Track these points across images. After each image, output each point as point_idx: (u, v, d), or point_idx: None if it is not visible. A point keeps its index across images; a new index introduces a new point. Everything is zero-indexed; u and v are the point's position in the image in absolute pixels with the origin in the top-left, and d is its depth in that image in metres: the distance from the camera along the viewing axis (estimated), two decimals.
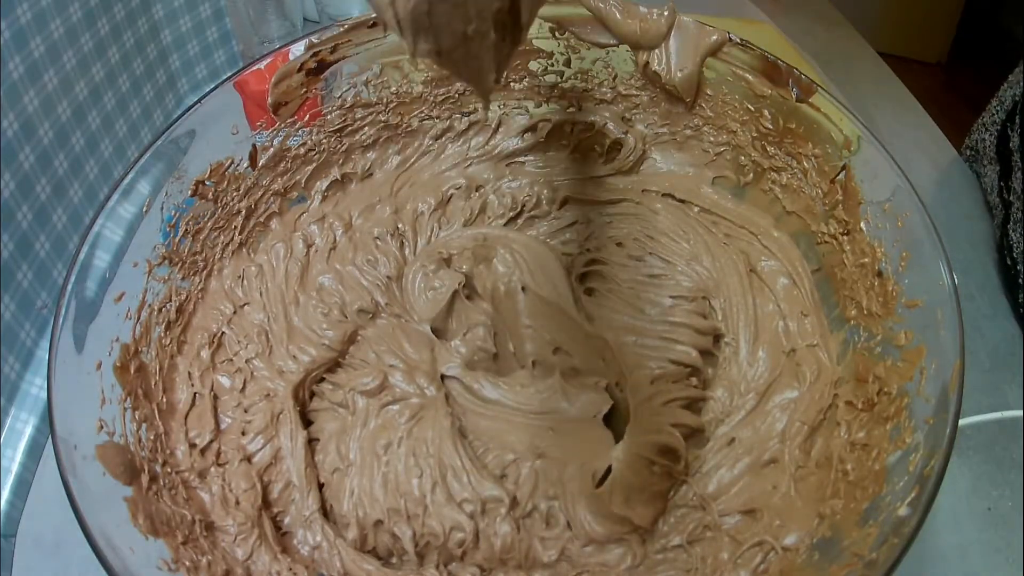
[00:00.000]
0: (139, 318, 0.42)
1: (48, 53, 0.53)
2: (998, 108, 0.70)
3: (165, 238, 0.44)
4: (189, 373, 0.44)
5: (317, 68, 0.49)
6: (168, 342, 0.44)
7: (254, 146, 0.48)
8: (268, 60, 0.47)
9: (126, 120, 0.63)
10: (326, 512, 0.43)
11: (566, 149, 0.56)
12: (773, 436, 0.43)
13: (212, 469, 0.42)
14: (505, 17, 0.25)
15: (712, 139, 0.52)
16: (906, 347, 0.39)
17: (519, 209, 0.54)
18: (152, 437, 0.40)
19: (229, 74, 0.47)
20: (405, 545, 0.42)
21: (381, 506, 0.42)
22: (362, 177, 0.54)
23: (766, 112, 0.48)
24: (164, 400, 0.42)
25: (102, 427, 0.37)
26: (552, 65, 0.53)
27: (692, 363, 0.47)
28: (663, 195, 0.53)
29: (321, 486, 0.44)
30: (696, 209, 0.52)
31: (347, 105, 0.51)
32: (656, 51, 0.49)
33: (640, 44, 0.49)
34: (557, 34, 0.51)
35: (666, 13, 0.48)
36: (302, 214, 0.52)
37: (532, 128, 0.55)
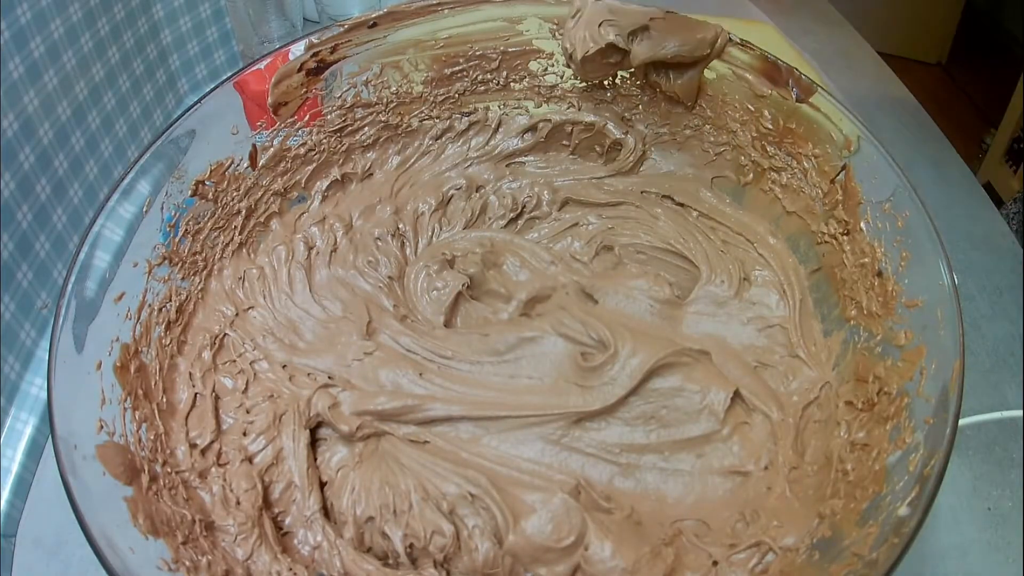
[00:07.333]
0: (139, 318, 0.42)
1: (48, 53, 0.53)
2: None
3: (165, 238, 0.44)
4: (190, 374, 0.44)
5: (317, 68, 0.49)
6: (168, 342, 0.44)
7: (254, 146, 0.48)
8: (268, 60, 0.47)
9: (126, 120, 0.63)
10: (327, 512, 0.43)
11: (566, 149, 0.56)
12: (766, 440, 0.43)
13: (213, 469, 0.42)
14: None
15: (712, 139, 0.52)
16: (906, 347, 0.39)
17: (519, 210, 0.54)
18: (152, 437, 0.40)
19: (229, 74, 0.47)
20: (396, 546, 0.41)
21: (375, 502, 0.42)
22: (362, 177, 0.54)
23: (766, 112, 0.48)
24: (164, 400, 0.42)
25: (102, 427, 0.37)
26: (552, 65, 0.53)
27: None
28: (663, 197, 0.53)
29: (324, 485, 0.44)
30: (695, 214, 0.52)
31: (347, 105, 0.51)
32: None
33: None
34: (557, 34, 0.51)
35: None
36: (302, 214, 0.52)
37: (532, 128, 0.55)
